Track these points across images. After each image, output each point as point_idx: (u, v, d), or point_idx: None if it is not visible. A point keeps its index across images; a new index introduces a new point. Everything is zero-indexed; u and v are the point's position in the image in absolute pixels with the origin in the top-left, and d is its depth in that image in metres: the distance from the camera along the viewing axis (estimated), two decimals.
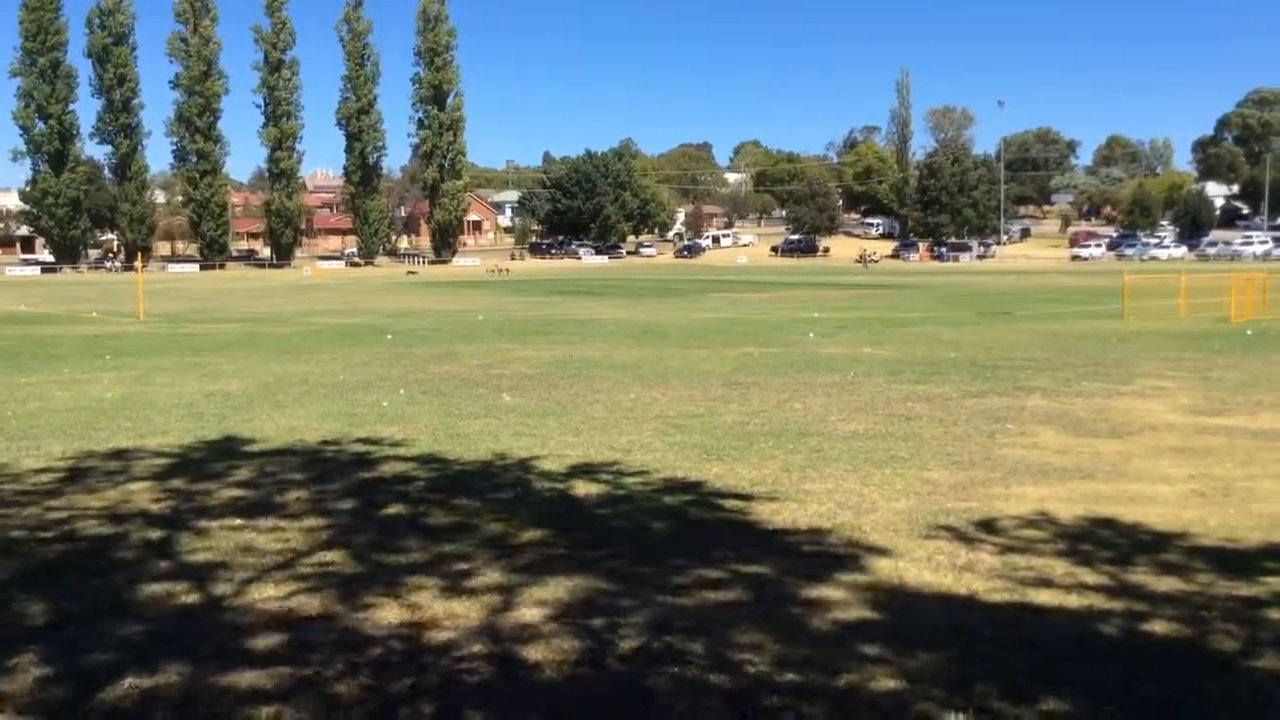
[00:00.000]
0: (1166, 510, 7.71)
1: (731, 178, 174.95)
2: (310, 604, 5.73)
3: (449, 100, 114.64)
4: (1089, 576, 6.17)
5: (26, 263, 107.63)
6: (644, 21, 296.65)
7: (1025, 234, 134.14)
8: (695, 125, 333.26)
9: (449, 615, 5.54)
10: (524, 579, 6.11)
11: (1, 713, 4.42)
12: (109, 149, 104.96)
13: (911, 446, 10.11)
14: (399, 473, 9.12)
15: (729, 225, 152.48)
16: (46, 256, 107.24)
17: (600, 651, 5.05)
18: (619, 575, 6.18)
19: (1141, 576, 6.18)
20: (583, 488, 8.49)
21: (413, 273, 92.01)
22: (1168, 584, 6.04)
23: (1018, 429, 11.10)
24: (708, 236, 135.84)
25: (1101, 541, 6.92)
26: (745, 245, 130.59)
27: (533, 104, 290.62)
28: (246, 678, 4.73)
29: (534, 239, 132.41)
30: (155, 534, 7.17)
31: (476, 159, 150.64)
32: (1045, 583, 6.04)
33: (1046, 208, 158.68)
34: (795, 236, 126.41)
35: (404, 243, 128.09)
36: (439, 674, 4.82)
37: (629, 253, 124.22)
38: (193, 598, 5.88)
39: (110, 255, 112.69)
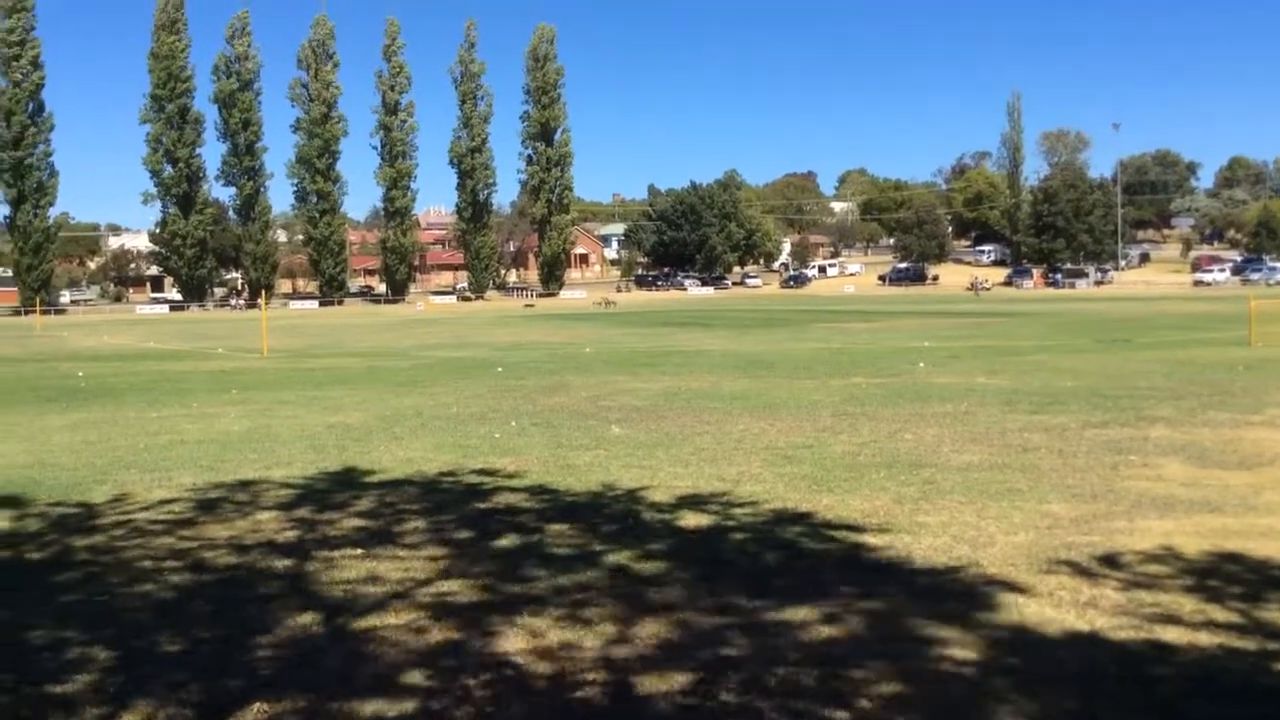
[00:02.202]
0: None
1: (837, 206, 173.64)
2: (430, 632, 5.87)
3: (556, 136, 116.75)
4: (1218, 614, 5.96)
5: (156, 301, 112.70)
6: (747, 52, 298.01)
7: (1144, 259, 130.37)
8: (800, 155, 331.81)
9: (564, 644, 5.61)
10: (636, 609, 6.15)
11: None
12: (234, 190, 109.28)
13: (1030, 478, 9.88)
14: (512, 504, 9.26)
15: (835, 255, 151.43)
16: (175, 295, 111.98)
17: (713, 683, 5.05)
18: (731, 607, 6.17)
19: (1274, 614, 5.94)
20: (692, 519, 8.51)
21: (530, 305, 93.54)
22: None
23: (1141, 460, 10.77)
24: (814, 266, 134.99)
25: (1231, 577, 6.67)
26: (852, 274, 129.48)
27: (638, 137, 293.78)
28: (369, 705, 4.86)
29: (640, 271, 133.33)
30: (282, 563, 7.41)
31: (583, 193, 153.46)
32: (1172, 620, 5.85)
33: (1166, 231, 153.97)
34: (903, 265, 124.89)
35: (512, 276, 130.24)
36: (554, 702, 4.89)
37: (734, 283, 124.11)
38: (318, 625, 6.06)
39: (235, 293, 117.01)
